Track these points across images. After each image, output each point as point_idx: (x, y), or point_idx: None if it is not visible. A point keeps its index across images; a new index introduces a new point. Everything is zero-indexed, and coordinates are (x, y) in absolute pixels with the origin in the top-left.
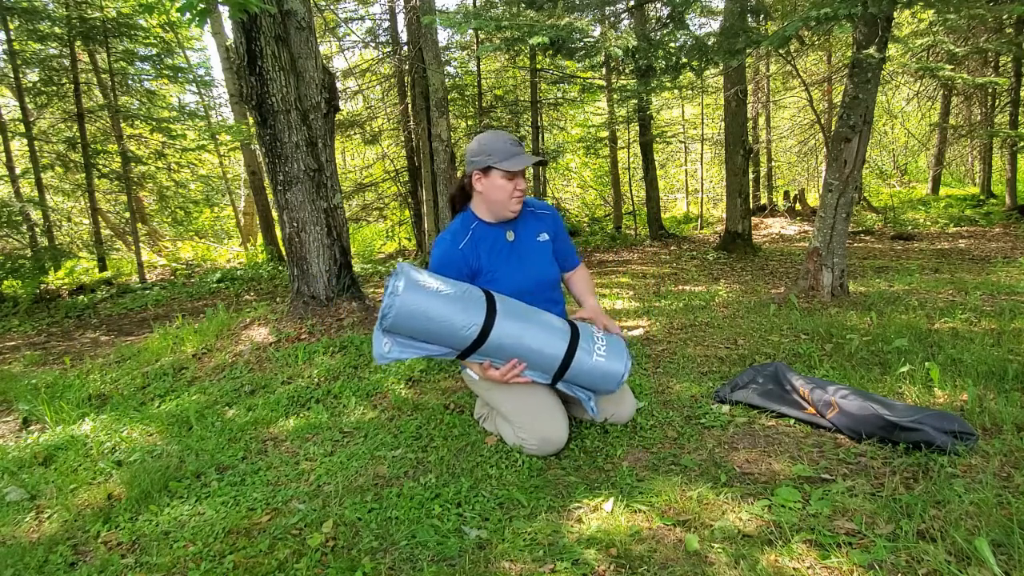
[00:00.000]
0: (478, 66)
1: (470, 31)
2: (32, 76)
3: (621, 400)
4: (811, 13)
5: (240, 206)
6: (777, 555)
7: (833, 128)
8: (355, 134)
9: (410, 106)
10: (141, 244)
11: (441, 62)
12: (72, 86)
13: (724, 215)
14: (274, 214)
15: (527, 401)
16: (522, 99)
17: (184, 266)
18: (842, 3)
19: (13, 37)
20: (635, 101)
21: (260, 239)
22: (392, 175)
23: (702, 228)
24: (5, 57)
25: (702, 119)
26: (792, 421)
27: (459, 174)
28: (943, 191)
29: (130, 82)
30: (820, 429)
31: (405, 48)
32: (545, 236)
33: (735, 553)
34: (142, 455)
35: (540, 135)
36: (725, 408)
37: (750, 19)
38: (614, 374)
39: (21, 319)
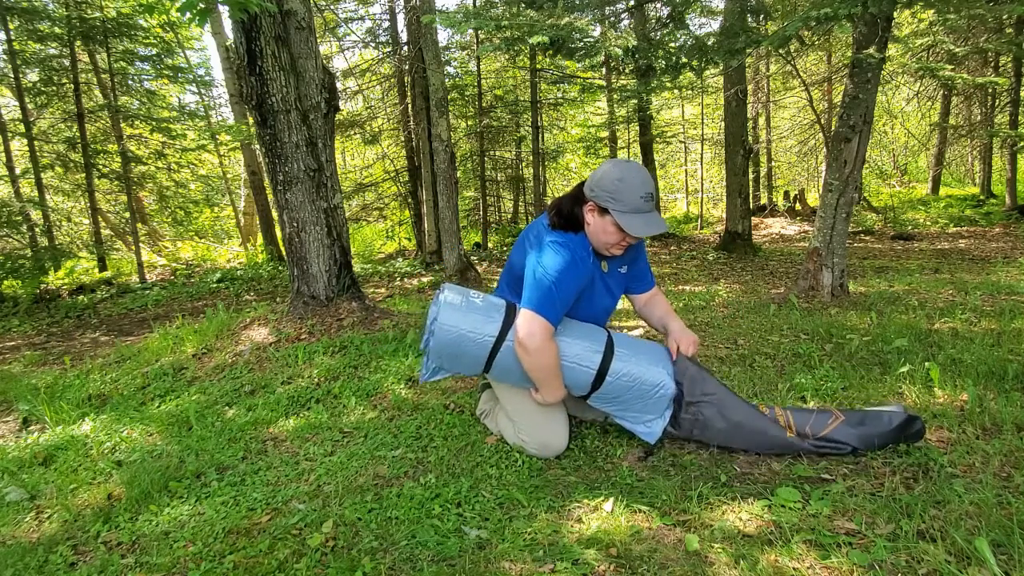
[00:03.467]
0: (478, 66)
1: (470, 31)
2: (32, 76)
3: None
4: (811, 13)
5: (240, 206)
6: (777, 555)
7: (833, 128)
8: (355, 134)
9: (410, 106)
10: (141, 244)
11: (441, 62)
12: (72, 86)
13: (724, 215)
14: (274, 214)
15: (531, 404)
16: (522, 99)
17: (184, 266)
18: (842, 3)
19: (13, 37)
20: (635, 101)
21: (260, 239)
22: (392, 175)
23: (702, 228)
24: (5, 57)
25: (702, 119)
26: None
27: (459, 174)
28: (943, 191)
29: (130, 82)
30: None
31: (405, 48)
32: (624, 268)
33: (735, 553)
34: (142, 455)
35: (540, 135)
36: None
37: (750, 19)
38: (652, 382)
39: (21, 319)
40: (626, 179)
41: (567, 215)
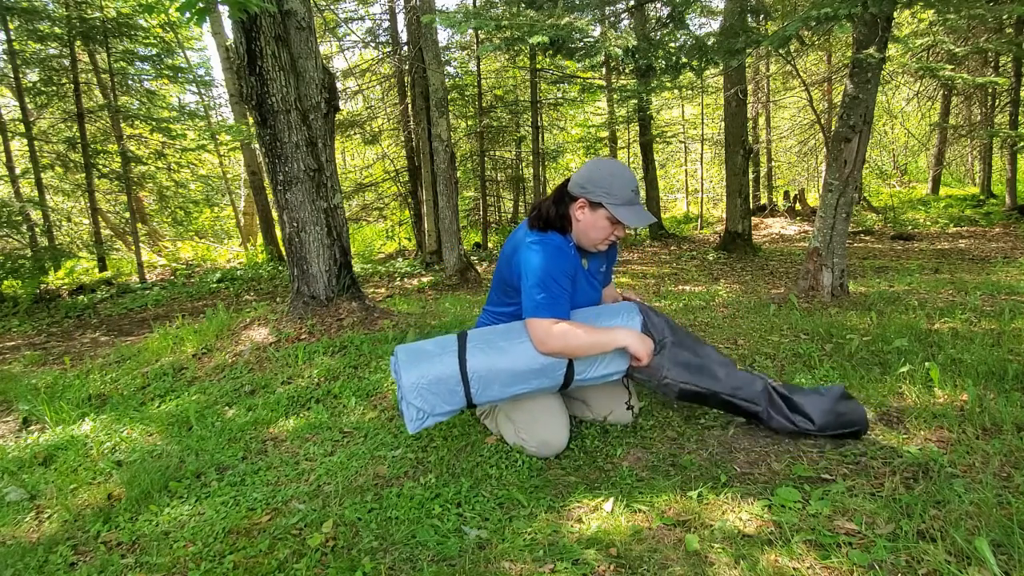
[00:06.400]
0: (478, 66)
1: (470, 31)
2: (32, 76)
3: (623, 399)
4: (811, 13)
5: (240, 206)
6: (777, 555)
7: (833, 128)
8: (355, 134)
9: (410, 106)
10: (141, 244)
11: (441, 62)
12: (72, 86)
13: (724, 215)
14: (274, 214)
15: (531, 402)
16: (522, 99)
17: (184, 266)
18: (842, 3)
19: (13, 37)
20: (635, 101)
21: (260, 239)
22: (392, 175)
23: (702, 228)
24: (5, 57)
25: (702, 119)
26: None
27: (459, 174)
28: (943, 191)
29: (130, 82)
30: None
31: (405, 48)
32: (604, 267)
33: (735, 553)
34: (142, 455)
35: (540, 135)
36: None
37: (750, 19)
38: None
39: (21, 319)
40: (616, 174)
41: (549, 218)
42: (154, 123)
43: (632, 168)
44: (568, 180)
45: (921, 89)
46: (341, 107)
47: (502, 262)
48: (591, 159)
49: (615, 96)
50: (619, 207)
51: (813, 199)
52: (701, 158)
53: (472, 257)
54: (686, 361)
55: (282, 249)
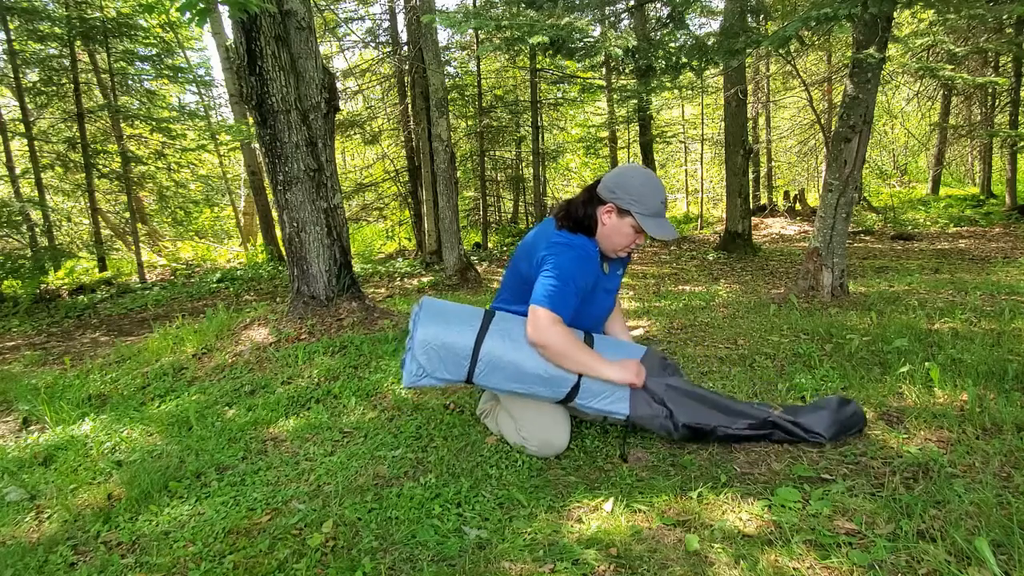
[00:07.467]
0: (478, 66)
1: (470, 31)
2: (32, 76)
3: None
4: (811, 13)
5: (240, 206)
6: (777, 555)
7: (833, 128)
8: (355, 134)
9: (410, 106)
10: (141, 244)
11: (441, 62)
12: (72, 86)
13: (724, 215)
14: (274, 214)
15: (534, 401)
16: (522, 99)
17: (184, 266)
18: (842, 3)
19: (13, 37)
20: (635, 101)
21: (260, 239)
22: (392, 175)
23: (702, 228)
24: (5, 57)
25: (702, 119)
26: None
27: (459, 174)
28: (943, 191)
29: (130, 82)
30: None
31: (405, 48)
32: (620, 272)
33: (735, 553)
34: (142, 455)
35: (540, 135)
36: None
37: (750, 19)
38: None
39: (21, 319)
40: (648, 184)
41: (577, 218)
42: (154, 123)
43: None
44: (598, 181)
45: (921, 89)
46: (341, 107)
47: (520, 259)
48: (624, 164)
49: (615, 96)
50: (647, 218)
51: (813, 199)
52: (701, 158)
53: (472, 257)
54: (685, 397)
55: (282, 249)
